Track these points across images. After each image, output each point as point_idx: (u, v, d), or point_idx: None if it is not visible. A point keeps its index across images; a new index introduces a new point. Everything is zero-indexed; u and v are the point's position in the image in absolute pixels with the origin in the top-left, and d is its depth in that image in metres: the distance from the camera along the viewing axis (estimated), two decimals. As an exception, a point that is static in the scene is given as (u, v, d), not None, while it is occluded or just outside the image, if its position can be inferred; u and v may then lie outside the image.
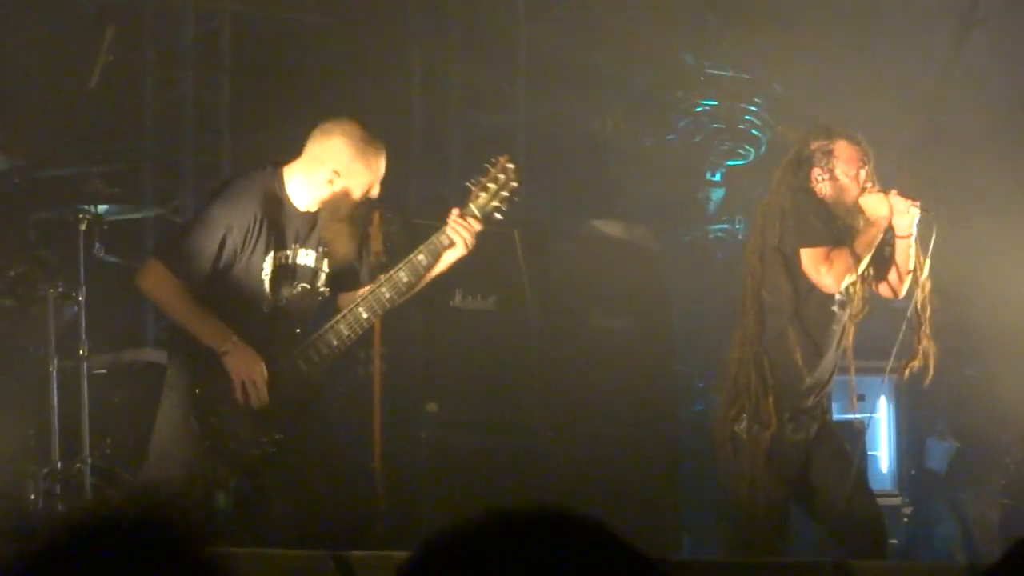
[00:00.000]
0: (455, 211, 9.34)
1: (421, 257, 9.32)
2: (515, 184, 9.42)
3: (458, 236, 9.26)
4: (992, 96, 13.96)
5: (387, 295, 9.36)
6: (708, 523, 12.47)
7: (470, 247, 9.34)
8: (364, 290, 9.47)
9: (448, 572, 2.46)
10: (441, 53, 15.47)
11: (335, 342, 9.40)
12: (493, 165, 9.47)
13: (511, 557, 2.49)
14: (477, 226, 9.33)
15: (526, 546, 2.51)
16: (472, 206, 9.35)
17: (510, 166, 9.46)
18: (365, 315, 9.38)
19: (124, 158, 13.77)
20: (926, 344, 9.96)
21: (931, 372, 10.00)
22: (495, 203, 9.42)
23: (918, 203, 9.78)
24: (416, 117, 15.30)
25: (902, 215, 9.79)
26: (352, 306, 9.42)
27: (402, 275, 9.34)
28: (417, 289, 9.48)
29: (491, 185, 9.39)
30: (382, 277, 9.41)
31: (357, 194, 9.33)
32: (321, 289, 9.49)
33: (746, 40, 15.20)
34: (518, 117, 15.54)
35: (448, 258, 9.36)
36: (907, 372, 10.13)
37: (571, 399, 12.30)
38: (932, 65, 14.29)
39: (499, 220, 9.58)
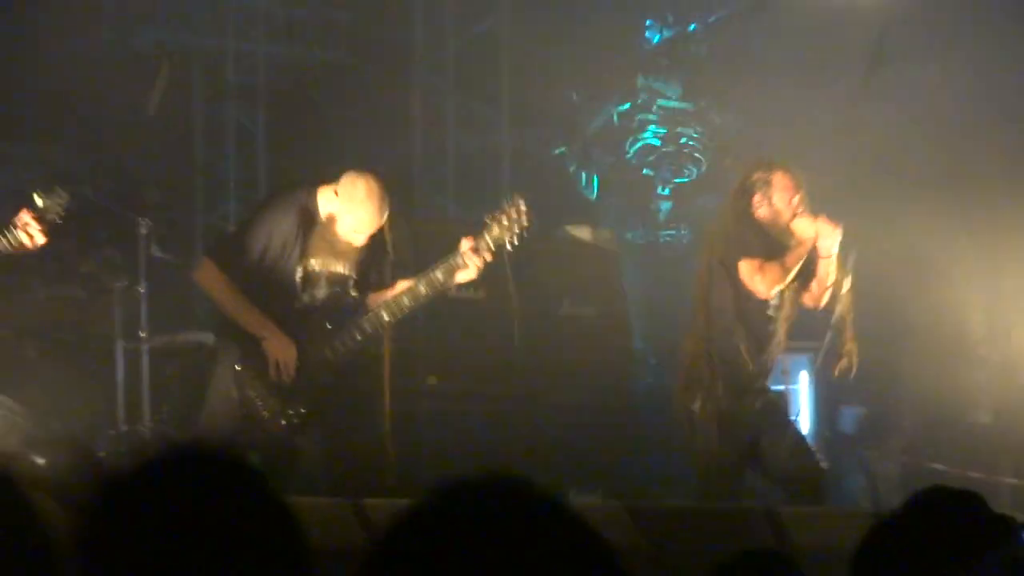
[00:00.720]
0: (468, 241, 9.58)
1: (438, 274, 9.56)
2: (526, 223, 9.59)
3: (472, 265, 9.54)
4: (903, 128, 14.06)
5: (406, 303, 9.65)
6: (653, 469, 12.52)
7: (479, 273, 9.62)
8: (387, 296, 9.77)
9: (415, 542, 2.30)
10: (439, 86, 15.54)
11: (359, 336, 9.70)
12: (510, 202, 9.71)
13: (468, 527, 2.32)
14: (488, 258, 9.55)
15: (481, 515, 2.34)
16: (487, 236, 9.55)
17: (523, 207, 9.64)
18: (386, 318, 9.68)
19: (177, 173, 13.99)
20: (850, 347, 10.17)
21: (854, 369, 10.26)
22: (507, 236, 9.60)
23: (840, 227, 9.97)
24: (417, 139, 15.29)
25: (826, 237, 9.95)
26: (376, 308, 9.71)
27: (421, 288, 9.60)
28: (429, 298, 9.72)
29: (505, 221, 9.59)
30: (404, 285, 9.75)
31: (371, 227, 9.67)
32: (352, 294, 9.85)
33: (690, 79, 15.35)
34: (502, 139, 15.53)
35: (460, 278, 9.61)
36: (836, 371, 10.38)
37: (545, 373, 12.42)
38: (845, 97, 14.32)
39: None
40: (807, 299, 10.32)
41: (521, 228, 9.65)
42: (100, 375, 11.50)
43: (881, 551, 3.72)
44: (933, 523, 3.67)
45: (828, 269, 10.12)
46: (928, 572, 3.33)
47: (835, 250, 10.07)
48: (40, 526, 2.87)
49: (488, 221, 9.67)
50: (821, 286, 10.18)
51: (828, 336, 10.27)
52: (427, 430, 12.02)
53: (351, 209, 9.68)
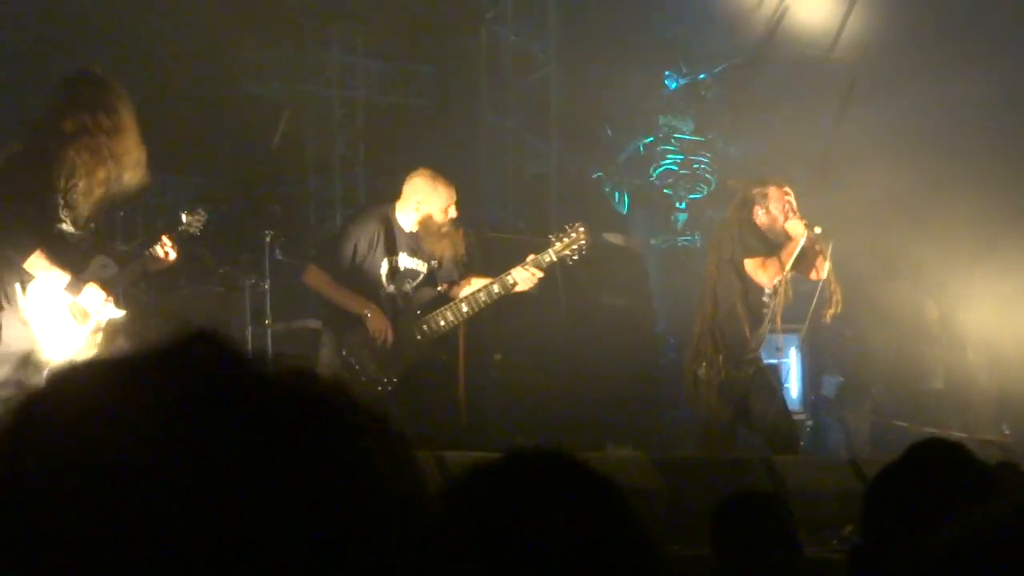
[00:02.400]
0: (531, 257, 9.64)
1: (509, 279, 9.62)
2: (584, 242, 9.74)
3: (537, 273, 9.63)
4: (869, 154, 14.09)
5: (483, 299, 9.68)
6: (677, 427, 12.50)
7: (532, 286, 9.71)
8: (467, 291, 9.78)
9: (475, 496, 2.24)
10: (501, 123, 15.53)
11: (443, 323, 9.75)
12: (571, 227, 9.79)
13: (520, 490, 2.26)
14: (540, 274, 9.63)
15: (531, 481, 2.27)
16: (551, 251, 9.66)
17: (583, 230, 9.78)
18: (466, 309, 9.72)
19: (294, 194, 14.03)
20: (835, 290, 10.29)
21: (840, 307, 10.36)
22: (567, 252, 9.73)
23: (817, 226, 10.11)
24: (483, 164, 15.33)
25: (811, 228, 10.10)
26: (458, 301, 9.73)
27: (495, 288, 9.65)
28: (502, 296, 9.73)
29: (567, 240, 9.70)
30: (482, 285, 9.73)
31: (438, 216, 9.68)
32: (437, 289, 9.84)
33: (701, 116, 15.29)
34: (551, 166, 15.52)
35: (517, 288, 9.68)
36: (829, 316, 10.46)
37: (587, 351, 12.42)
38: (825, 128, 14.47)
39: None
40: (812, 275, 10.35)
41: (580, 247, 9.77)
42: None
43: (885, 496, 3.64)
44: (928, 471, 3.56)
45: (818, 251, 10.22)
46: (924, 516, 3.12)
47: (816, 236, 10.16)
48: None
49: (553, 239, 9.77)
50: (820, 264, 10.24)
51: (815, 300, 10.36)
52: (493, 396, 11.90)
53: (419, 204, 9.72)
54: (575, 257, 9.80)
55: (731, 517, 5.38)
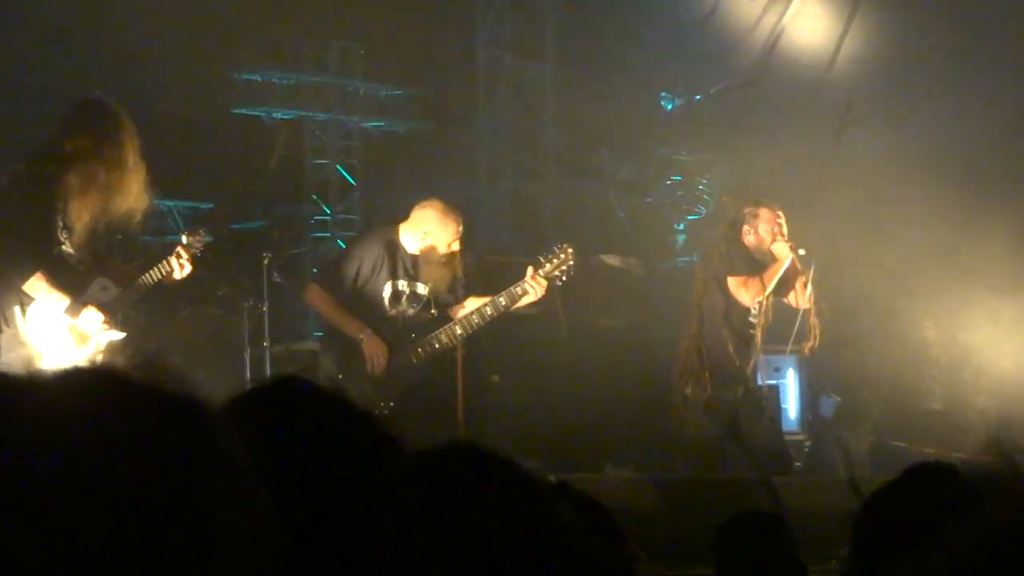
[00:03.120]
0: (531, 269, 9.63)
1: (502, 300, 9.64)
2: (572, 263, 9.72)
3: (533, 289, 9.61)
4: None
5: (475, 320, 9.70)
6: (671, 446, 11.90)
7: (539, 297, 9.74)
8: (462, 314, 9.79)
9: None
10: (498, 145, 15.55)
11: (437, 345, 9.75)
12: (559, 248, 9.79)
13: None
14: (545, 286, 9.63)
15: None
16: (541, 271, 9.63)
17: (571, 251, 9.75)
18: (459, 331, 9.74)
19: (292, 217, 13.99)
20: (814, 323, 10.27)
21: (818, 341, 10.34)
22: (556, 272, 9.68)
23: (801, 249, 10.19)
24: (482, 186, 15.40)
25: (794, 254, 10.13)
26: (451, 324, 9.75)
27: (488, 309, 9.67)
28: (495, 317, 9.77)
29: (555, 260, 9.68)
30: (475, 306, 9.76)
31: (442, 248, 9.75)
32: (432, 311, 9.85)
33: (697, 138, 15.29)
34: (548, 187, 15.62)
35: (520, 303, 9.73)
36: (807, 350, 10.49)
37: (586, 372, 12.38)
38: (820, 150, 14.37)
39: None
40: (793, 301, 10.38)
41: (568, 267, 9.74)
42: (231, 377, 11.25)
43: (877, 518, 3.69)
44: (917, 494, 3.60)
45: (801, 277, 10.23)
46: (916, 536, 3.16)
47: (800, 263, 10.21)
48: None
49: (542, 260, 9.74)
50: (802, 290, 10.26)
51: (796, 327, 10.37)
52: (491, 417, 11.86)
53: (425, 232, 9.76)
54: (563, 278, 9.81)
55: (736, 537, 5.42)
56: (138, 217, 8.48)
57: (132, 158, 8.29)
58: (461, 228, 9.84)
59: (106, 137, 8.23)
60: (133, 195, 8.31)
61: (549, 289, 9.79)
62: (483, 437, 11.14)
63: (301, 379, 2.31)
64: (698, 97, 15.61)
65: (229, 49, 13.12)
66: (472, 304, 9.88)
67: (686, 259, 15.28)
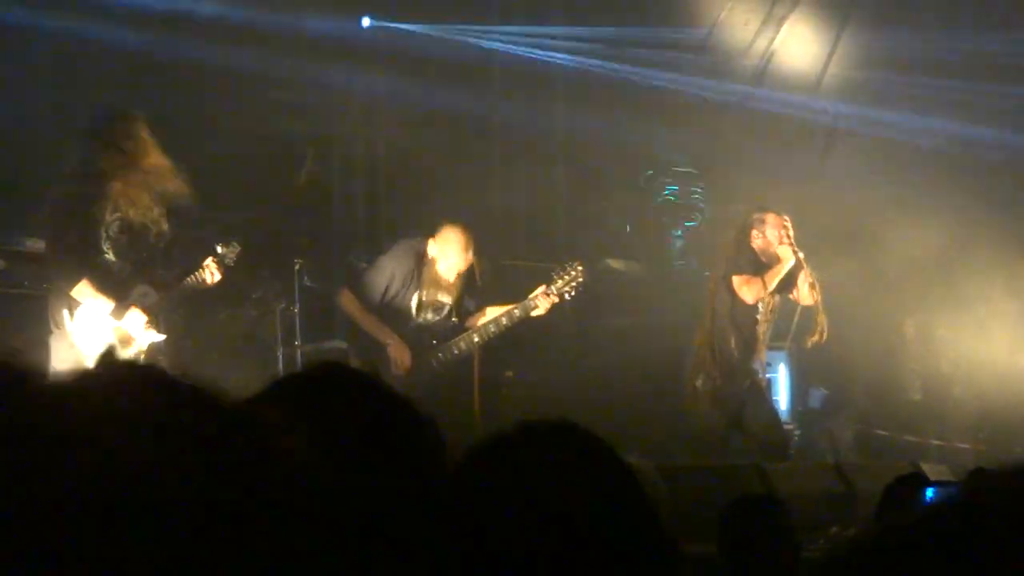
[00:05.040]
0: (543, 286, 9.77)
1: (517, 312, 9.80)
2: (582, 280, 9.87)
3: (542, 307, 9.74)
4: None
5: (492, 330, 9.89)
6: (678, 436, 12.09)
7: (549, 310, 9.83)
8: (479, 323, 9.92)
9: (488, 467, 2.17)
10: (513, 159, 15.55)
11: (456, 351, 9.93)
12: (570, 265, 9.91)
13: (531, 454, 2.20)
14: (556, 300, 9.75)
15: (541, 447, 2.21)
16: (553, 286, 9.75)
17: (580, 268, 9.90)
18: (476, 339, 9.94)
19: (321, 226, 14.02)
20: (821, 321, 10.35)
21: (825, 335, 10.42)
22: (567, 288, 9.80)
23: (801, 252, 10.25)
24: (497, 197, 15.04)
25: (796, 255, 10.23)
26: (470, 332, 9.90)
27: (503, 320, 9.84)
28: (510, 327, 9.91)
29: (566, 277, 9.81)
30: (491, 317, 9.89)
31: (462, 265, 9.86)
32: (453, 320, 9.95)
33: (696, 149, 15.24)
34: (560, 198, 15.51)
35: (533, 315, 9.84)
36: (810, 343, 10.59)
37: (595, 367, 12.45)
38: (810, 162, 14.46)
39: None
40: (796, 297, 10.44)
41: (578, 283, 9.88)
42: (265, 374, 11.19)
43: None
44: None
45: (804, 278, 10.30)
46: None
47: (805, 264, 10.29)
48: None
49: (554, 276, 9.88)
50: (802, 288, 10.32)
51: (794, 326, 10.52)
52: (505, 410, 11.73)
53: (446, 253, 9.85)
54: (572, 294, 9.92)
55: (739, 519, 5.46)
56: (189, 201, 8.54)
57: (152, 145, 8.34)
58: (472, 253, 9.94)
59: (130, 139, 8.31)
60: (170, 176, 8.37)
61: (560, 303, 9.89)
62: (497, 426, 11.23)
63: (342, 364, 2.35)
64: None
65: (262, 70, 13.12)
66: (490, 313, 9.99)
67: (683, 263, 15.26)
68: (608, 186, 15.25)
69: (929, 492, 5.68)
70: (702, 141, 14.98)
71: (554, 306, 9.89)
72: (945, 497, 1.19)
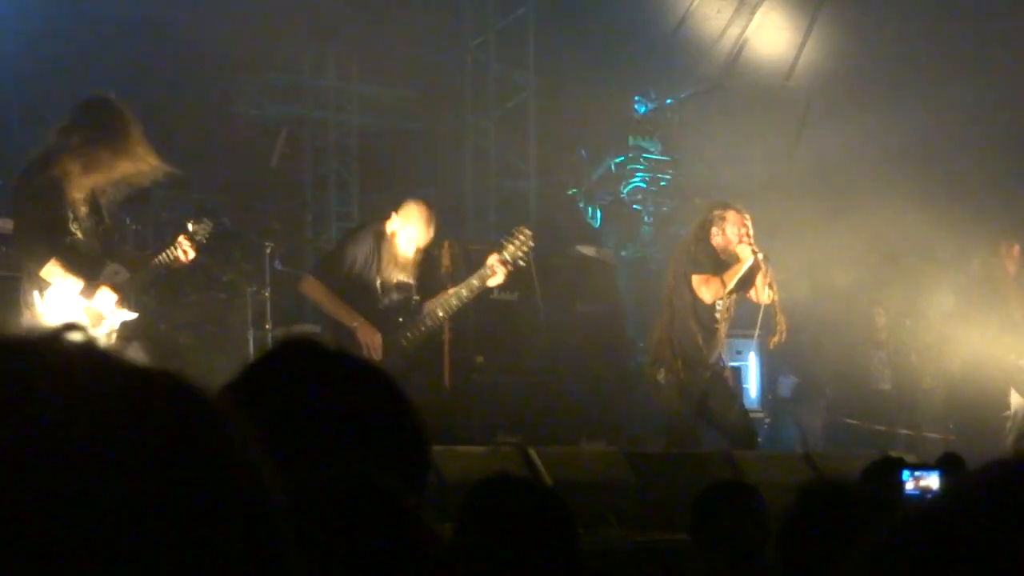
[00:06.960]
0: (495, 255, 9.67)
1: (474, 281, 9.64)
2: (531, 244, 9.78)
3: (498, 273, 9.63)
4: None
5: (454, 302, 9.73)
6: (647, 423, 12.33)
7: (505, 277, 9.73)
8: (441, 297, 9.79)
9: None
10: (484, 145, 15.61)
11: (423, 328, 9.78)
12: (518, 230, 9.86)
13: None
14: (510, 268, 9.67)
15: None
16: (505, 253, 9.63)
17: (528, 232, 9.82)
18: (441, 313, 9.77)
19: (292, 209, 13.95)
20: (781, 322, 10.33)
21: (784, 337, 10.42)
22: (518, 254, 9.70)
23: (763, 252, 10.18)
24: (468, 183, 15.45)
25: (756, 255, 10.14)
26: (434, 307, 9.79)
27: (463, 291, 9.69)
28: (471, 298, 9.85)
29: (516, 242, 9.72)
30: (452, 290, 9.76)
31: (422, 242, 9.73)
32: (415, 297, 9.84)
33: (667, 138, 15.31)
34: (531, 183, 15.66)
35: (491, 283, 9.72)
36: (772, 343, 10.64)
37: (564, 354, 12.31)
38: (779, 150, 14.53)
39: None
40: (754, 296, 10.37)
41: (527, 248, 9.79)
42: (236, 358, 11.06)
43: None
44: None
45: (763, 276, 10.22)
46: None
47: (761, 264, 10.21)
48: None
49: (503, 242, 9.82)
50: (762, 287, 10.23)
51: (761, 315, 10.51)
52: (475, 395, 11.79)
53: (406, 225, 9.73)
54: (525, 259, 9.83)
55: (715, 505, 5.46)
56: (160, 180, 8.55)
57: (136, 140, 8.30)
58: (435, 227, 9.83)
59: (106, 126, 8.27)
60: (139, 177, 8.37)
61: (514, 268, 9.80)
62: (468, 413, 11.37)
63: (307, 337, 2.26)
64: (669, 101, 15.59)
65: (235, 54, 13.07)
66: (452, 291, 9.88)
67: (652, 250, 15.30)
68: (578, 173, 15.30)
69: (906, 474, 5.69)
70: (673, 128, 15.02)
71: (510, 273, 9.77)
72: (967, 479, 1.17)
